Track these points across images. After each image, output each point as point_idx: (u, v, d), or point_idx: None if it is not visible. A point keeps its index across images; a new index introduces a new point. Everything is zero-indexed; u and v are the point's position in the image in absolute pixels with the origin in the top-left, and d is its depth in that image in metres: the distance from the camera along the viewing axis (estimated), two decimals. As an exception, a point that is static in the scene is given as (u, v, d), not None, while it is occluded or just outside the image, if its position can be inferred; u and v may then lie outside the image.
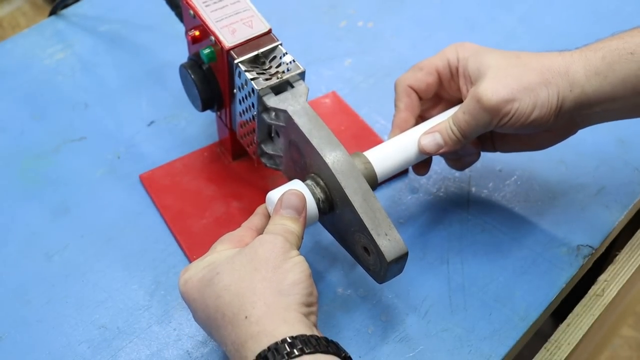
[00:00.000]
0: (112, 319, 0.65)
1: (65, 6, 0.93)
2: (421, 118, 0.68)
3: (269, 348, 0.48)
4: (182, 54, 0.70)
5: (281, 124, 0.61)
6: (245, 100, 0.63)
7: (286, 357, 0.48)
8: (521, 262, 0.69)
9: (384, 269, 0.56)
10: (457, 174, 0.76)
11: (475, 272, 0.68)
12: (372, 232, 0.56)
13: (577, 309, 0.69)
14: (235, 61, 0.61)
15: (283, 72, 0.62)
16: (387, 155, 0.63)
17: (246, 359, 0.49)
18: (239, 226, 0.60)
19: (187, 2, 0.65)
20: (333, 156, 0.58)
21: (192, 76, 0.66)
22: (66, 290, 0.67)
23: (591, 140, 0.78)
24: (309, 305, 0.53)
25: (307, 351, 0.48)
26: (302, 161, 0.61)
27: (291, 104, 0.60)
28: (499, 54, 0.62)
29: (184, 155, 0.77)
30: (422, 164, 0.67)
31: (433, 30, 0.92)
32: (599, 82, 0.58)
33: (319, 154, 0.58)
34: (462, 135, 0.62)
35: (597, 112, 0.60)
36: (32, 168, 0.77)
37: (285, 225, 0.56)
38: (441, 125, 0.63)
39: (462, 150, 0.66)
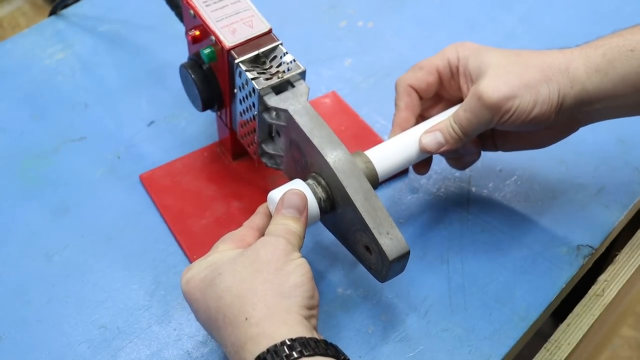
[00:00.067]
0: (112, 319, 0.65)
1: (65, 6, 0.93)
2: (421, 117, 0.68)
3: (268, 350, 0.48)
4: (182, 54, 0.70)
5: (282, 123, 0.61)
6: (245, 100, 0.63)
7: None
8: (521, 262, 0.69)
9: (386, 267, 0.56)
10: (457, 173, 0.76)
11: (475, 272, 0.68)
12: (374, 231, 0.56)
13: (577, 309, 0.69)
14: (236, 61, 0.61)
15: (284, 71, 0.62)
16: (388, 154, 0.63)
17: None
18: (240, 226, 0.60)
19: (187, 2, 0.65)
20: (334, 155, 0.58)
21: (193, 76, 0.66)
22: (66, 290, 0.67)
23: (591, 140, 0.78)
24: (310, 308, 0.53)
25: (306, 354, 0.48)
26: (303, 160, 0.61)
27: (292, 103, 0.60)
28: (499, 52, 0.62)
29: (184, 155, 0.77)
30: (422, 163, 0.67)
31: (433, 30, 0.92)
32: (600, 79, 0.58)
33: (320, 153, 0.58)
34: (463, 133, 0.62)
35: (598, 110, 0.60)
36: (32, 168, 0.76)
37: (287, 226, 0.56)
38: (442, 123, 0.63)
39: (463, 150, 0.66)
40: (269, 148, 0.65)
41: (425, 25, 0.93)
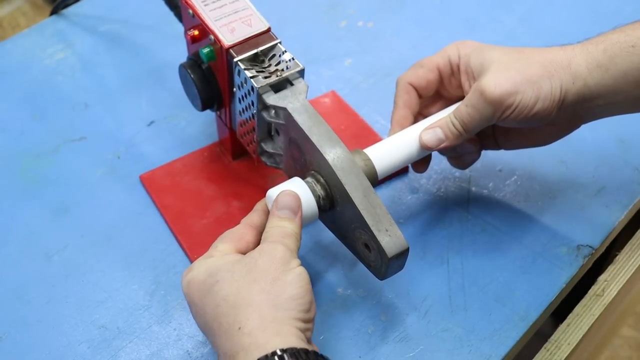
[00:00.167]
0: (112, 319, 0.65)
1: (66, 6, 0.94)
2: (421, 115, 0.68)
3: None
4: (182, 54, 0.70)
5: (281, 121, 0.61)
6: (244, 98, 0.63)
7: None
8: (521, 262, 0.69)
9: (385, 265, 0.56)
10: (457, 173, 0.76)
11: (475, 272, 0.68)
12: (373, 228, 0.56)
13: (577, 309, 0.69)
14: (235, 59, 0.61)
15: (282, 70, 0.62)
16: (387, 152, 0.63)
17: None
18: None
19: (186, 2, 0.65)
20: (333, 153, 0.58)
21: (192, 76, 0.66)
22: (66, 290, 0.67)
23: (591, 140, 0.78)
24: (305, 321, 0.52)
25: None
26: (302, 159, 0.61)
27: (291, 101, 0.60)
28: (501, 50, 0.62)
29: (184, 155, 0.77)
30: (421, 161, 0.67)
31: (433, 30, 0.92)
32: (601, 75, 0.58)
33: (319, 151, 0.58)
34: (464, 129, 0.62)
35: (600, 106, 0.60)
36: (32, 168, 0.77)
37: (283, 228, 0.56)
38: (442, 120, 0.63)
39: (461, 149, 0.66)
40: (268, 147, 0.65)
41: (425, 25, 0.93)
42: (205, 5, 0.64)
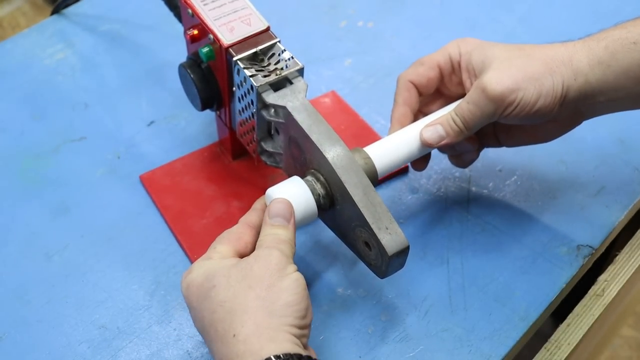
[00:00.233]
0: (112, 319, 0.65)
1: (66, 6, 0.94)
2: (421, 113, 0.68)
3: None
4: (182, 54, 0.70)
5: (280, 120, 0.61)
6: (244, 97, 0.63)
7: None
8: (521, 262, 0.68)
9: (386, 263, 0.56)
10: (457, 173, 0.75)
11: (475, 272, 0.68)
12: (373, 226, 0.55)
13: (577, 309, 0.69)
14: (234, 59, 0.61)
15: (282, 68, 0.62)
16: (387, 150, 0.63)
17: None
18: (238, 223, 0.60)
19: (185, 1, 0.65)
20: (333, 151, 0.58)
21: (191, 75, 0.66)
22: (66, 290, 0.67)
23: (591, 140, 0.78)
24: (301, 327, 0.52)
25: None
26: (302, 157, 0.61)
27: (290, 100, 0.60)
28: (502, 47, 0.62)
29: (184, 155, 0.77)
30: (420, 159, 0.67)
31: (433, 30, 0.92)
32: (602, 71, 0.58)
33: (318, 149, 0.58)
34: (465, 127, 0.62)
35: (602, 102, 0.60)
36: (32, 168, 0.77)
37: (277, 235, 0.56)
38: (443, 117, 0.63)
39: (459, 147, 0.66)
40: (268, 146, 0.65)
41: (425, 25, 0.93)
42: (205, 4, 0.64)
